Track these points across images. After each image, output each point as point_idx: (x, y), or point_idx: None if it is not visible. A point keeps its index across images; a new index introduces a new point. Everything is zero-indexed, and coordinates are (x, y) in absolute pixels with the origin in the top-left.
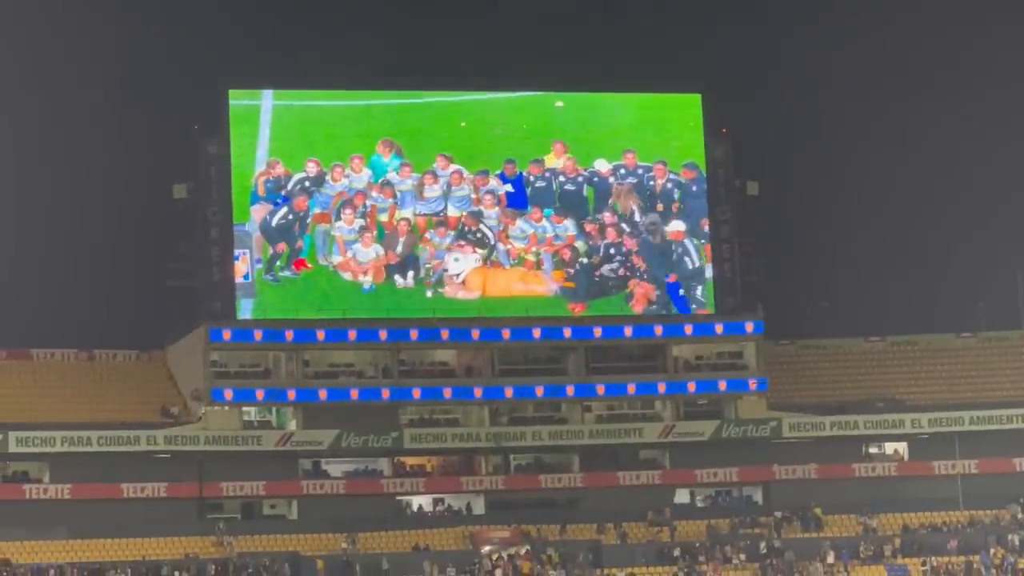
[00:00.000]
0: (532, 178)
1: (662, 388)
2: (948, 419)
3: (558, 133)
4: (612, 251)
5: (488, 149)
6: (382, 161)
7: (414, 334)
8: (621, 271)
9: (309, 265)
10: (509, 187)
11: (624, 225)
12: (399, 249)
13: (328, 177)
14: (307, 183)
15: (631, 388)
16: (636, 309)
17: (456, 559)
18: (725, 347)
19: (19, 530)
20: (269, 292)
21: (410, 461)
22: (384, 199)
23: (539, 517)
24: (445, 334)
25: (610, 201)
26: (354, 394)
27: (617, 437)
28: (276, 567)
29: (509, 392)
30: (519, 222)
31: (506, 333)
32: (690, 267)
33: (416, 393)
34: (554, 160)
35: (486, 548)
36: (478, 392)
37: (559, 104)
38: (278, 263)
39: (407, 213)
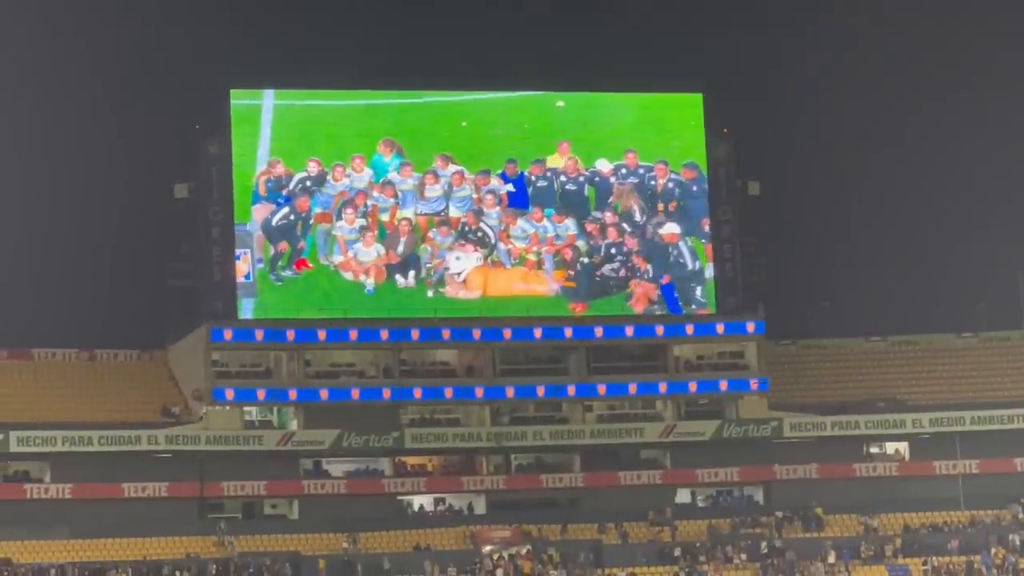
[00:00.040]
0: (533, 178)
1: (663, 388)
2: (949, 419)
3: (559, 133)
4: (613, 251)
5: (489, 149)
6: (383, 161)
7: (415, 334)
8: (622, 271)
9: (310, 265)
10: (510, 187)
11: (625, 225)
12: (400, 249)
13: (329, 177)
14: (308, 183)
15: (632, 388)
16: (637, 309)
17: (457, 559)
18: (726, 347)
19: (20, 530)
20: (270, 292)
21: (411, 461)
22: (385, 199)
23: (540, 517)
24: (446, 334)
25: (610, 200)
26: (355, 394)
27: (618, 437)
28: (277, 567)
29: (510, 392)
30: (520, 222)
31: (507, 333)
32: (687, 268)
33: (417, 393)
34: (557, 160)
35: (487, 548)
36: (479, 392)
37: (560, 104)
38: (280, 263)
39: (408, 213)
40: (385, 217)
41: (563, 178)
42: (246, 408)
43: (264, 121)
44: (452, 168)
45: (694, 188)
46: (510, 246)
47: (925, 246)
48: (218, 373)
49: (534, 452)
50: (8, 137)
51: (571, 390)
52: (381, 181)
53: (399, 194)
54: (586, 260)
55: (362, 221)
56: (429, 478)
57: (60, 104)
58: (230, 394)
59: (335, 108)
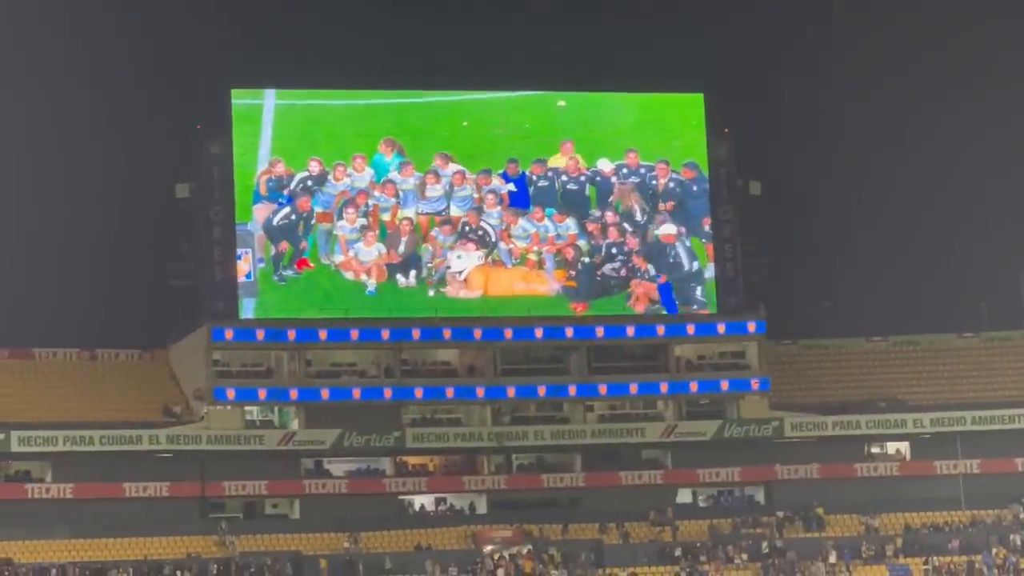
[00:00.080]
0: (534, 177)
1: (664, 388)
2: (950, 419)
3: (560, 132)
4: (614, 251)
5: (490, 148)
6: (384, 160)
7: (416, 333)
8: (623, 271)
9: (311, 264)
10: (511, 186)
11: (626, 225)
12: (401, 248)
13: (330, 176)
14: (309, 182)
15: (633, 388)
16: (638, 309)
17: (458, 559)
18: (727, 347)
19: (21, 530)
20: (271, 292)
21: (412, 460)
22: (386, 198)
23: (541, 517)
24: (447, 334)
25: (611, 199)
26: (356, 393)
27: (619, 437)
28: (278, 567)
29: (511, 392)
30: (521, 221)
31: (508, 333)
32: (683, 269)
33: (418, 392)
34: (560, 159)
35: (488, 548)
36: (480, 392)
37: (561, 103)
38: (282, 263)
39: (409, 212)
40: (386, 217)
41: (564, 178)
42: (247, 408)
43: (265, 121)
44: (453, 168)
45: (695, 188)
46: (511, 246)
47: (926, 246)
48: (219, 373)
49: (535, 452)
50: (8, 137)
51: (572, 390)
52: (382, 181)
53: (400, 194)
54: (587, 260)
55: (363, 221)
56: (430, 478)
57: (61, 104)
58: (231, 394)
59: (336, 108)
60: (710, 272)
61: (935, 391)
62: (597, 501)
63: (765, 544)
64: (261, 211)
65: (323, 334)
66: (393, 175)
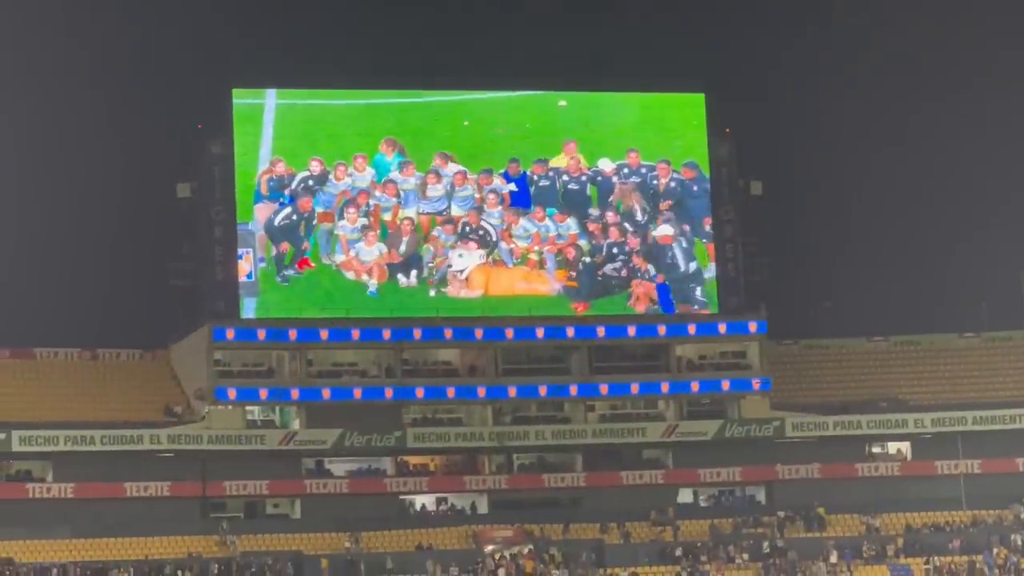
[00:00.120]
0: (536, 177)
1: (665, 388)
2: (951, 419)
3: (561, 132)
4: (615, 251)
5: (491, 148)
6: (385, 160)
7: (417, 333)
8: (623, 271)
9: (312, 264)
10: (512, 186)
11: (627, 225)
12: (402, 248)
13: (331, 176)
14: (310, 182)
15: (634, 388)
16: (638, 309)
17: (459, 558)
18: (728, 347)
19: (22, 529)
20: (272, 291)
21: (413, 460)
22: (387, 198)
23: (542, 516)
24: (448, 333)
25: (611, 199)
26: (357, 393)
27: (620, 437)
28: (279, 566)
29: (512, 391)
30: (522, 221)
31: (509, 332)
32: (679, 270)
33: (419, 392)
34: (562, 159)
35: (489, 547)
36: (481, 391)
37: (562, 103)
38: (284, 262)
39: (410, 212)
40: (387, 216)
41: (565, 177)
42: (248, 407)
43: (266, 120)
44: (454, 167)
45: (696, 188)
46: (512, 245)
47: (927, 246)
48: (220, 372)
49: (536, 452)
50: (9, 137)
51: (573, 390)
52: (383, 180)
53: (401, 193)
54: (588, 260)
55: (364, 220)
56: (431, 478)
57: (61, 104)
58: (232, 393)
59: (337, 107)
60: (711, 272)
61: (936, 391)
62: (598, 501)
63: (766, 544)
64: (262, 211)
65: (324, 334)
66: (394, 175)
